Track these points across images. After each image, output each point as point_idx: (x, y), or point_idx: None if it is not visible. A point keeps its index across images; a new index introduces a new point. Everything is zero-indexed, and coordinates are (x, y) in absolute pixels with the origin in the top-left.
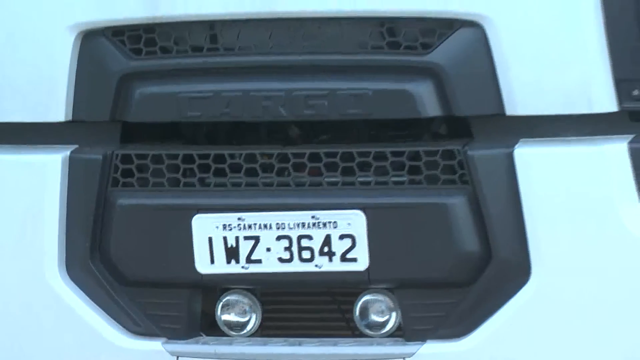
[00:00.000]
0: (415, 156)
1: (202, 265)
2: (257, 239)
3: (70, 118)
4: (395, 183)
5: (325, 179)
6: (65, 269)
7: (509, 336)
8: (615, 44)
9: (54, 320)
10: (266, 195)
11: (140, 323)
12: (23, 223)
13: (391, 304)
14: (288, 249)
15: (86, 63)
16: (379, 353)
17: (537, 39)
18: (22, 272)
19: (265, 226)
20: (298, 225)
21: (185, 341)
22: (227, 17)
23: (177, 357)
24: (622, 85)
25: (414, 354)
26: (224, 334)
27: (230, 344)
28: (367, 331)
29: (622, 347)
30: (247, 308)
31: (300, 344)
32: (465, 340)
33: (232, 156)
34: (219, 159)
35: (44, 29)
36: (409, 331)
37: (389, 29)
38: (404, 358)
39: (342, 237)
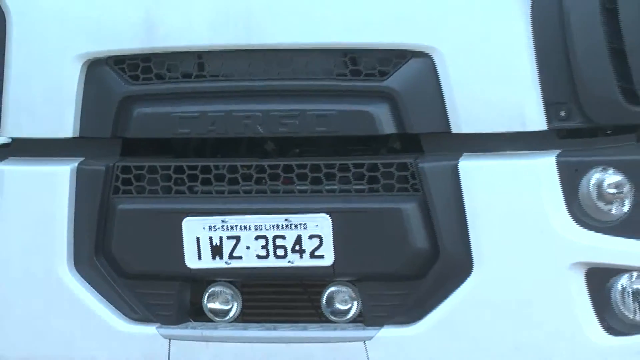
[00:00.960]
0: (373, 168)
1: (191, 261)
2: (238, 239)
3: (77, 134)
4: (357, 191)
5: (297, 187)
6: (73, 265)
7: (454, 322)
8: (545, 71)
9: (65, 309)
10: (246, 201)
11: (137, 311)
12: (37, 225)
13: (353, 294)
14: (265, 247)
15: (91, 87)
16: (342, 336)
17: (477, 67)
18: (37, 267)
19: (245, 227)
20: (273, 226)
21: (176, 326)
22: (213, 49)
23: (169, 339)
24: (551, 107)
25: (372, 337)
26: (209, 320)
27: (215, 328)
28: (332, 317)
29: (546, 328)
30: (229, 297)
31: (275, 329)
32: (416, 325)
33: (216, 167)
34: (206, 169)
35: (55, 58)
36: (368, 318)
37: (352, 59)
38: (363, 341)
39: (311, 237)
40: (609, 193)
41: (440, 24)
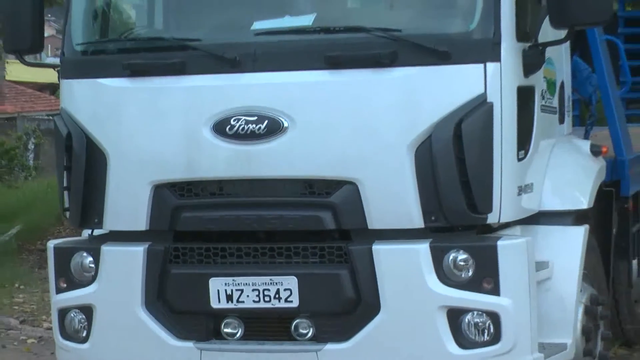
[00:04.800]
0: (323, 247)
1: (214, 303)
2: (242, 290)
3: (148, 228)
4: (312, 262)
5: (277, 260)
6: (145, 305)
7: (370, 340)
8: (423, 193)
9: (139, 332)
10: (246, 268)
11: (181, 333)
12: (123, 283)
13: (310, 324)
14: (258, 295)
15: (156, 201)
16: (303, 349)
17: (383, 190)
18: (123, 307)
19: (246, 284)
20: (262, 283)
21: (205, 342)
22: (228, 178)
23: (201, 350)
24: (426, 214)
25: (321, 349)
26: (225, 339)
27: (228, 344)
28: (298, 337)
29: (424, 345)
30: (237, 325)
31: (263, 344)
32: (348, 342)
33: (229, 248)
34: (223, 249)
35: (135, 183)
36: (319, 338)
37: (310, 185)
38: (316, 352)
39: (285, 289)
40: (460, 264)
41: (362, 165)
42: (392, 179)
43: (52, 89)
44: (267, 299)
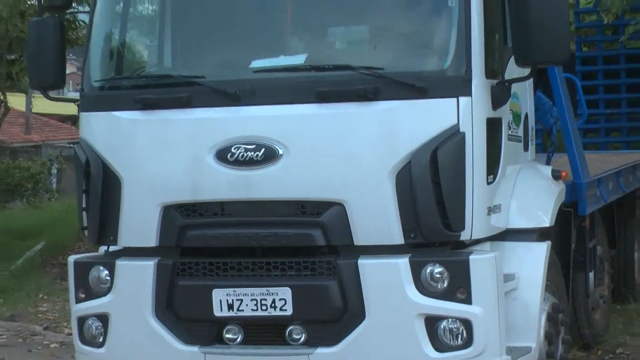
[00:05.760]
0: (314, 262)
1: (217, 312)
2: (241, 300)
3: (157, 245)
4: (304, 274)
5: (272, 273)
6: (155, 314)
7: (356, 344)
8: (403, 212)
9: (150, 338)
10: (246, 280)
11: (188, 338)
12: (135, 294)
13: (302, 330)
14: (256, 305)
15: (165, 220)
16: (296, 352)
17: (367, 210)
18: (135, 315)
19: (245, 294)
20: (260, 294)
21: (208, 347)
22: (229, 200)
23: (205, 354)
24: (406, 231)
25: (313, 352)
26: (226, 344)
27: (229, 348)
28: (291, 342)
29: (404, 348)
30: (237, 331)
31: (260, 349)
32: (336, 346)
33: (231, 262)
34: (225, 263)
35: (146, 204)
36: (310, 342)
37: (302, 205)
38: (308, 355)
39: (280, 299)
40: (436, 277)
41: (349, 188)
42: (376, 200)
43: (73, 120)
44: (264, 307)
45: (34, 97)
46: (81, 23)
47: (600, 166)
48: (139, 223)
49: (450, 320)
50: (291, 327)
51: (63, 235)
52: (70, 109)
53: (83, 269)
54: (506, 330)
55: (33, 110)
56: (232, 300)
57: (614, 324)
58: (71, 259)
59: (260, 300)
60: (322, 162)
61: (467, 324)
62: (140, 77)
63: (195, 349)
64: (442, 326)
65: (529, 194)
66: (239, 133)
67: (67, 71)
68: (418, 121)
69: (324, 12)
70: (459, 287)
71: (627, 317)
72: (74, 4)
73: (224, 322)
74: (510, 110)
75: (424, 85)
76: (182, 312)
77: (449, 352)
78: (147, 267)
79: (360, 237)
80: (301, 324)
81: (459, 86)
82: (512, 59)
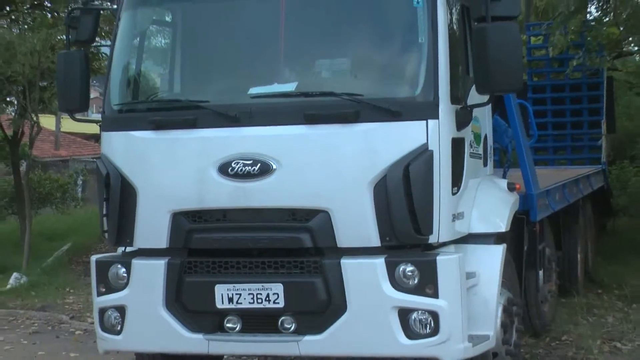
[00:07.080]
0: (302, 261)
1: (219, 304)
2: (240, 294)
3: (167, 246)
4: (295, 272)
5: (267, 271)
6: (165, 305)
7: (339, 333)
8: (380, 219)
9: (161, 326)
10: (244, 277)
11: (194, 327)
12: (148, 288)
13: (293, 320)
14: (252, 298)
15: (174, 225)
16: (287, 339)
17: (350, 217)
18: (148, 307)
19: (243, 289)
20: (256, 289)
21: (211, 334)
22: (230, 207)
23: (209, 340)
24: (382, 235)
25: (301, 340)
26: (227, 332)
27: (230, 335)
28: (283, 331)
29: (380, 336)
30: (236, 320)
31: (256, 336)
32: (322, 334)
33: (231, 261)
34: (226, 262)
35: (157, 211)
36: (299, 331)
37: (293, 212)
38: (297, 342)
39: (273, 294)
40: (408, 274)
41: (333, 198)
42: (356, 208)
43: (96, 138)
44: (259, 301)
45: (62, 118)
46: (103, 55)
47: (549, 180)
48: (151, 227)
49: (420, 312)
50: (283, 318)
51: (87, 237)
52: (94, 128)
53: (103, 266)
54: (468, 321)
55: (61, 130)
56: (232, 294)
57: (560, 315)
58: (93, 258)
59: (257, 294)
60: (310, 175)
61: (434, 315)
62: (153, 102)
63: (200, 336)
64: (413, 317)
65: (488, 203)
66: (239, 150)
67: (91, 96)
68: (393, 140)
69: (312, 46)
70: (427, 284)
71: (571, 309)
72: (97, 39)
73: (225, 313)
74: (472, 131)
75: (398, 109)
76: (189, 304)
77: (419, 340)
78: (159, 266)
79: (343, 240)
80: (292, 315)
81: (428, 110)
82: (474, 87)
